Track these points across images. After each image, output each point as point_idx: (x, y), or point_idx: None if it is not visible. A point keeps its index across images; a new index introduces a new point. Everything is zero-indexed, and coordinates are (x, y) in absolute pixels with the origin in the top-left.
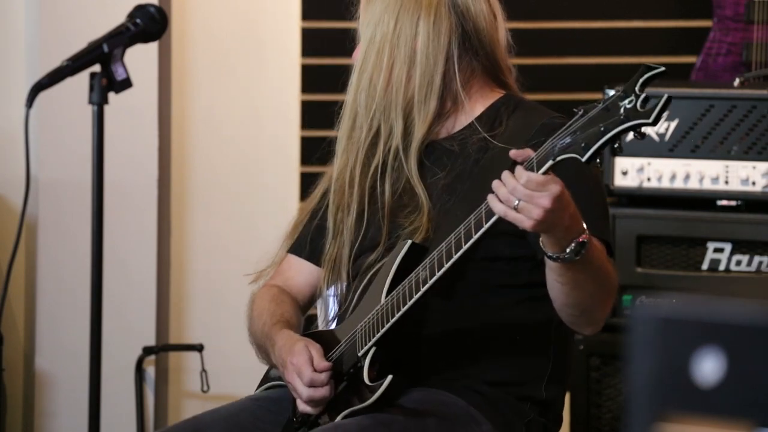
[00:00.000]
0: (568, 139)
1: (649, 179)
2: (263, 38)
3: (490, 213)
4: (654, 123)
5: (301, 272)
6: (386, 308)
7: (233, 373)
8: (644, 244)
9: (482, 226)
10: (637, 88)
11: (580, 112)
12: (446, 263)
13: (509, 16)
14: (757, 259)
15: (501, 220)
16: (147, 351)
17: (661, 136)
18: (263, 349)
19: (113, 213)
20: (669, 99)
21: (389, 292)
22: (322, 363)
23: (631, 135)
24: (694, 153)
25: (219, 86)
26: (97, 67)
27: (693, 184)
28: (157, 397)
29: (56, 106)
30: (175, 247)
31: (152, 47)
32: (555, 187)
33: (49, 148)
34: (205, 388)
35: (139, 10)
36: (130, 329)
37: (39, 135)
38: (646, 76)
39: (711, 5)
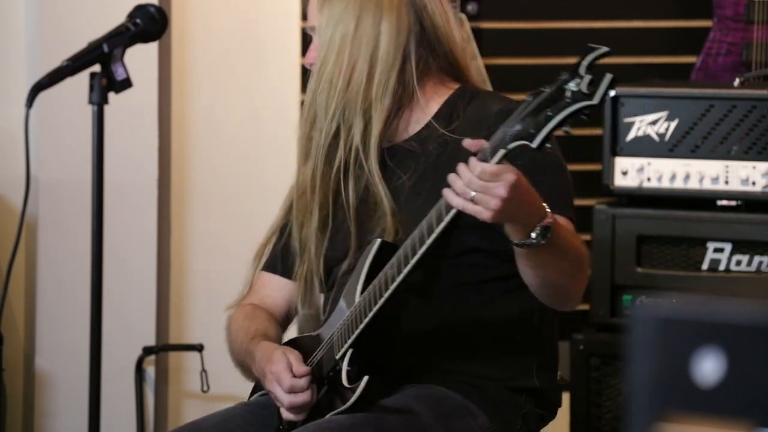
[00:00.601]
0: (518, 127)
1: (649, 179)
2: (263, 38)
3: (449, 207)
4: (599, 104)
5: (277, 289)
6: (360, 308)
7: (233, 373)
8: (644, 244)
9: (442, 220)
10: (581, 71)
11: (529, 98)
12: (412, 259)
13: (510, 16)
14: (757, 259)
15: (462, 213)
16: (147, 351)
17: (661, 136)
18: (245, 366)
19: (113, 213)
20: (613, 79)
21: (362, 291)
22: (300, 368)
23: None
24: (694, 153)
25: (219, 86)
26: (97, 67)
27: (693, 184)
28: (157, 397)
29: (56, 106)
30: (175, 247)
31: (152, 47)
32: (510, 175)
33: (49, 148)
34: (205, 388)
35: (139, 10)
36: (130, 329)
37: (39, 135)
38: (590, 57)
39: (711, 5)
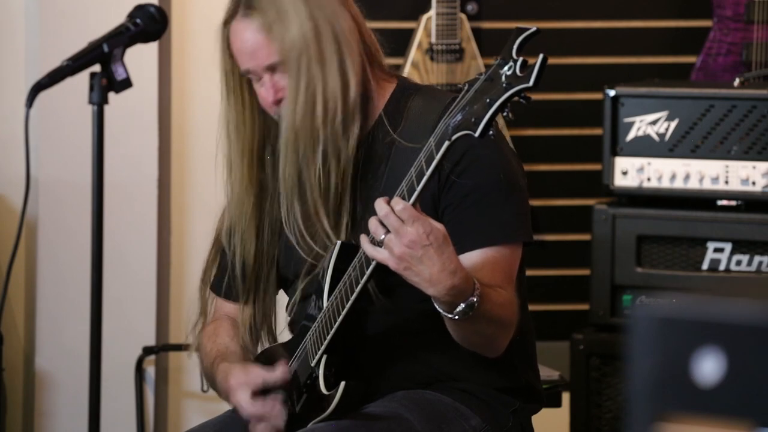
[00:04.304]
0: (459, 117)
1: (649, 179)
2: None
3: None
4: (534, 86)
5: (233, 309)
6: (329, 313)
7: None
8: (644, 244)
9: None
10: (513, 53)
11: (466, 87)
12: (372, 261)
13: (510, 16)
14: (757, 259)
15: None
16: (147, 351)
17: (661, 136)
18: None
19: (113, 213)
20: (545, 58)
21: (329, 295)
22: (272, 374)
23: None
24: (694, 153)
25: (219, 86)
26: (97, 67)
27: (693, 184)
28: (157, 397)
29: (56, 106)
30: (175, 247)
31: (152, 47)
32: (436, 224)
33: (49, 148)
34: (205, 388)
35: (139, 10)
36: (130, 329)
37: (39, 135)
38: (519, 39)
39: (711, 5)
